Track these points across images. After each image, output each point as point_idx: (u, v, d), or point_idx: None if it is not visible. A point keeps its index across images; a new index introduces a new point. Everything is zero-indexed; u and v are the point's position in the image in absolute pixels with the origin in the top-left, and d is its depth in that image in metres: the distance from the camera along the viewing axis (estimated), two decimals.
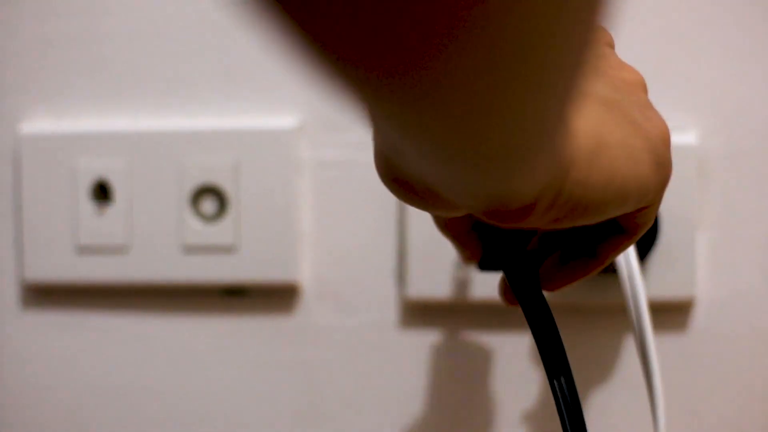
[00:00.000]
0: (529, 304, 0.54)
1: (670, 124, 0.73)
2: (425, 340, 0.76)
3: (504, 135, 0.36)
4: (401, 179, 0.44)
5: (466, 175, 0.40)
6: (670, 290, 0.72)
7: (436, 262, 0.74)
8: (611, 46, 0.54)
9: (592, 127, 0.45)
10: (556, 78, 0.34)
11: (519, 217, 0.45)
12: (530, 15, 0.29)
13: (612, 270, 0.67)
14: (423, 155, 0.38)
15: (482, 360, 0.76)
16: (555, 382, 0.53)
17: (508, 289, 0.57)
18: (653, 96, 0.73)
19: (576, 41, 0.33)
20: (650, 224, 0.53)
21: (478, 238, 0.56)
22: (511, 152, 0.38)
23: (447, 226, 0.55)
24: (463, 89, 0.31)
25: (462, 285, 0.74)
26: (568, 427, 0.52)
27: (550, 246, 0.57)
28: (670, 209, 0.72)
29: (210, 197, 0.77)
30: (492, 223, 0.47)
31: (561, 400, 0.53)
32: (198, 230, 0.76)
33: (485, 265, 0.56)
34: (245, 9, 0.27)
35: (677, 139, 0.73)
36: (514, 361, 0.75)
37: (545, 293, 0.57)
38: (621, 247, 0.54)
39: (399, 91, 0.30)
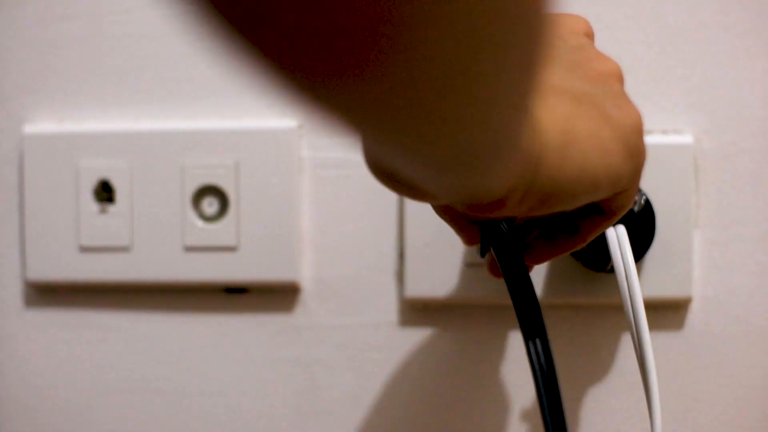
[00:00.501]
0: (511, 273, 0.55)
1: (666, 124, 0.74)
2: (425, 339, 0.77)
3: (456, 140, 0.37)
4: (386, 172, 0.45)
5: (433, 175, 0.41)
6: (666, 289, 0.73)
7: (436, 262, 0.74)
8: (589, 35, 0.54)
9: (561, 122, 0.46)
10: (502, 85, 0.35)
11: (492, 210, 0.47)
12: (453, 37, 0.30)
13: (609, 269, 0.67)
14: (393, 157, 0.40)
15: (482, 360, 0.76)
16: (530, 344, 0.54)
17: (494, 262, 0.58)
18: (651, 96, 0.74)
19: (519, 44, 0.34)
20: (629, 206, 0.55)
21: (473, 222, 0.57)
22: (470, 156, 0.39)
23: (443, 211, 0.56)
24: (398, 94, 0.32)
25: (462, 284, 0.74)
26: (542, 389, 0.53)
27: (536, 221, 0.58)
28: (666, 208, 0.72)
29: (211, 197, 0.77)
30: (470, 215, 0.49)
31: (535, 362, 0.53)
32: (199, 229, 0.77)
33: (485, 252, 0.58)
34: (191, 21, 0.29)
35: (674, 139, 0.74)
36: (513, 360, 0.76)
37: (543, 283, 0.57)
38: (601, 227, 0.56)
39: (341, 93, 0.31)
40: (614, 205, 0.54)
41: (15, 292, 0.80)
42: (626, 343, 0.75)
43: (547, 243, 0.59)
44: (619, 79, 0.52)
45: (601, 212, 0.55)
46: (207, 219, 0.77)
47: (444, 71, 0.31)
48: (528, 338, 0.54)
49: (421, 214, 0.74)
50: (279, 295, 0.78)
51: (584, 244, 0.58)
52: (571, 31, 0.53)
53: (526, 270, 0.56)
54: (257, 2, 0.27)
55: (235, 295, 0.78)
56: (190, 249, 0.77)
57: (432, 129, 0.35)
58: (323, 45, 0.29)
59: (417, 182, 0.44)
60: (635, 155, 0.51)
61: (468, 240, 0.57)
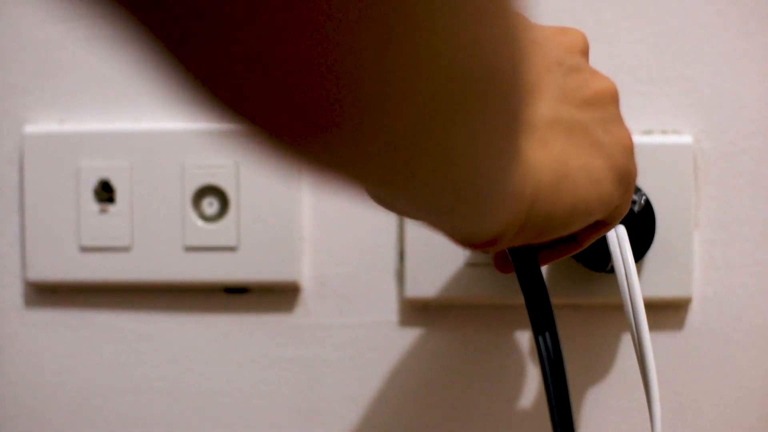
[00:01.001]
0: (523, 268, 0.56)
1: (666, 124, 0.74)
2: (425, 339, 0.77)
3: (440, 192, 0.38)
4: (386, 205, 0.46)
5: (426, 217, 0.42)
6: (666, 289, 0.73)
7: (436, 262, 0.74)
8: (585, 52, 0.54)
9: (554, 159, 0.47)
10: (481, 142, 0.36)
11: (487, 246, 0.48)
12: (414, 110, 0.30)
13: (609, 269, 0.67)
14: (384, 199, 0.41)
15: (482, 360, 0.76)
16: (540, 338, 0.54)
17: (500, 258, 0.59)
18: (651, 96, 0.74)
19: (496, 100, 0.34)
20: (624, 214, 0.56)
21: None
22: (459, 205, 0.40)
23: None
24: (369, 152, 0.32)
25: (462, 284, 0.75)
26: (550, 382, 0.53)
27: None
28: (666, 208, 0.72)
29: (211, 197, 0.77)
30: (468, 249, 0.50)
31: (545, 356, 0.54)
32: (200, 229, 0.77)
33: None
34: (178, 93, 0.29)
35: (674, 139, 0.74)
36: (513, 360, 0.76)
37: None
38: (598, 234, 0.57)
39: (313, 152, 0.32)
40: (609, 218, 0.55)
41: (15, 292, 0.80)
42: (626, 343, 0.75)
43: (545, 249, 0.59)
44: (614, 99, 0.53)
45: (596, 221, 0.56)
46: (207, 219, 0.77)
47: (414, 131, 0.32)
48: (538, 333, 0.55)
49: None
50: (279, 295, 0.78)
51: (582, 248, 0.59)
52: (567, 51, 0.53)
53: (538, 265, 0.57)
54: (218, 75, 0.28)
55: (235, 295, 0.78)
56: (190, 249, 0.77)
57: (411, 183, 0.36)
58: (288, 109, 0.29)
59: (415, 218, 0.45)
60: (625, 178, 0.52)
61: None
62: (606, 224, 0.56)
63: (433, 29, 0.28)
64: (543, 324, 0.56)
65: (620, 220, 0.56)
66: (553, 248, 0.59)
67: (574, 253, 0.59)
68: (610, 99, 0.53)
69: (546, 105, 0.49)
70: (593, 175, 0.50)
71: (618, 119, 0.53)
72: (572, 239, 0.58)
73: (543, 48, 0.51)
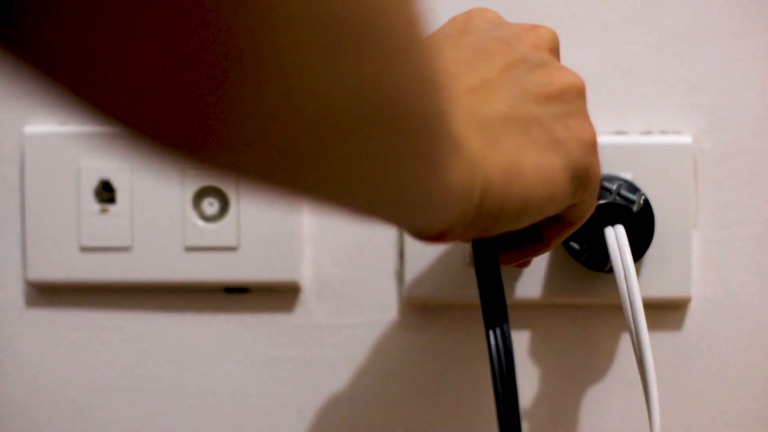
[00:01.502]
0: (480, 264, 0.57)
1: (666, 124, 0.74)
2: (425, 339, 0.77)
3: (372, 199, 0.38)
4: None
5: (368, 220, 0.43)
6: (665, 289, 0.73)
7: (436, 262, 0.74)
8: (553, 49, 0.54)
9: (506, 156, 0.48)
10: (399, 153, 0.36)
11: (436, 240, 0.48)
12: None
13: (609, 269, 0.67)
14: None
15: (482, 360, 0.76)
16: (491, 332, 0.55)
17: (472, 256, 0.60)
18: (650, 96, 0.74)
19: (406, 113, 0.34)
20: (588, 215, 0.56)
21: None
22: (396, 208, 0.40)
23: None
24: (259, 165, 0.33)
25: (462, 284, 0.75)
26: (498, 378, 0.54)
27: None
28: (665, 208, 0.72)
29: (211, 197, 0.77)
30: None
31: (494, 351, 0.55)
32: (199, 229, 0.77)
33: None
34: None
35: (673, 139, 0.74)
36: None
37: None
38: (563, 233, 0.58)
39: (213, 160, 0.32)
40: (571, 217, 0.56)
41: (16, 292, 0.80)
42: (625, 343, 0.75)
43: (513, 249, 0.60)
44: (579, 94, 0.53)
45: (560, 220, 0.56)
46: (207, 219, 0.77)
47: (312, 154, 0.32)
48: (489, 327, 0.55)
49: None
50: (279, 295, 0.78)
51: (550, 249, 0.59)
52: (534, 47, 0.53)
53: (497, 260, 0.57)
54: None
55: (235, 295, 0.78)
56: (190, 249, 0.77)
57: (328, 196, 0.36)
58: (185, 122, 0.30)
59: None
60: (583, 175, 0.52)
61: None
62: (571, 224, 0.56)
63: (315, 66, 0.29)
64: (495, 319, 0.56)
65: (586, 218, 0.56)
66: (521, 248, 0.59)
67: (541, 253, 0.59)
68: (576, 94, 0.52)
69: (503, 101, 0.49)
70: (547, 176, 0.50)
71: (581, 114, 0.53)
72: (538, 239, 0.58)
73: (509, 46, 0.52)
